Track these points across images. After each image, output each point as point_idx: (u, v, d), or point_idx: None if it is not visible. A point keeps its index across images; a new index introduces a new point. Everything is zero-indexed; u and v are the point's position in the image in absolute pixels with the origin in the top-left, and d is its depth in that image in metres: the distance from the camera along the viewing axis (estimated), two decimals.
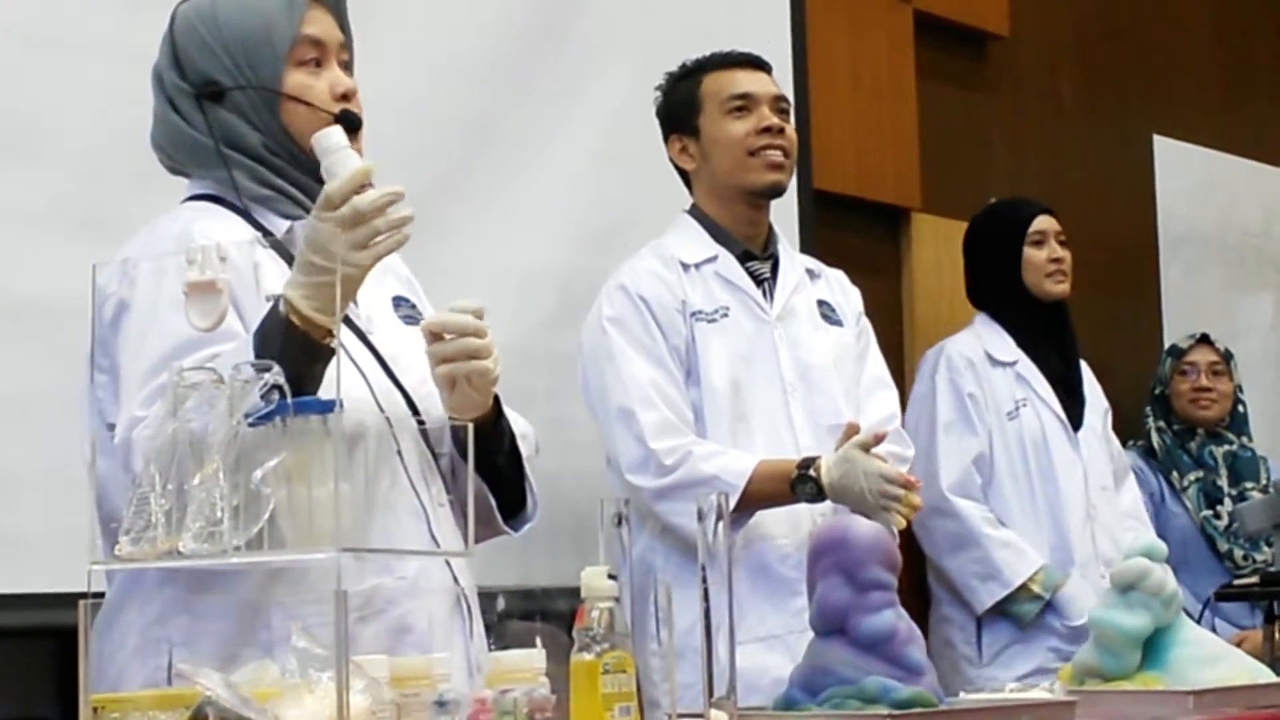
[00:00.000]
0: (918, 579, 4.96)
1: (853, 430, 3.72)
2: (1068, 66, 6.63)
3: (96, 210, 3.49)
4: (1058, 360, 5.01)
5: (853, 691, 2.55)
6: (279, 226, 2.84)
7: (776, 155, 3.95)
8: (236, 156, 2.85)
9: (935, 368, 4.96)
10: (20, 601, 3.54)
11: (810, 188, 5.09)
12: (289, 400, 1.99)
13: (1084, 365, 5.11)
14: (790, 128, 4.00)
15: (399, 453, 2.75)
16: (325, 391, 2.34)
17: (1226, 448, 5.71)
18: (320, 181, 2.65)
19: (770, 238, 4.05)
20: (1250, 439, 5.78)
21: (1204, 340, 5.83)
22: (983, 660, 4.75)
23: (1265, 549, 5.40)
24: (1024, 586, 4.71)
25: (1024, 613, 4.71)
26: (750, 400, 3.87)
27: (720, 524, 2.37)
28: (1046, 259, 4.99)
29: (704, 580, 2.36)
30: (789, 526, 3.79)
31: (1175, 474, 5.66)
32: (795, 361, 3.94)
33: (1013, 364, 4.95)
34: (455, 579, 2.82)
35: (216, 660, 2.43)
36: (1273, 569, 4.71)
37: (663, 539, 3.80)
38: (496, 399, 2.81)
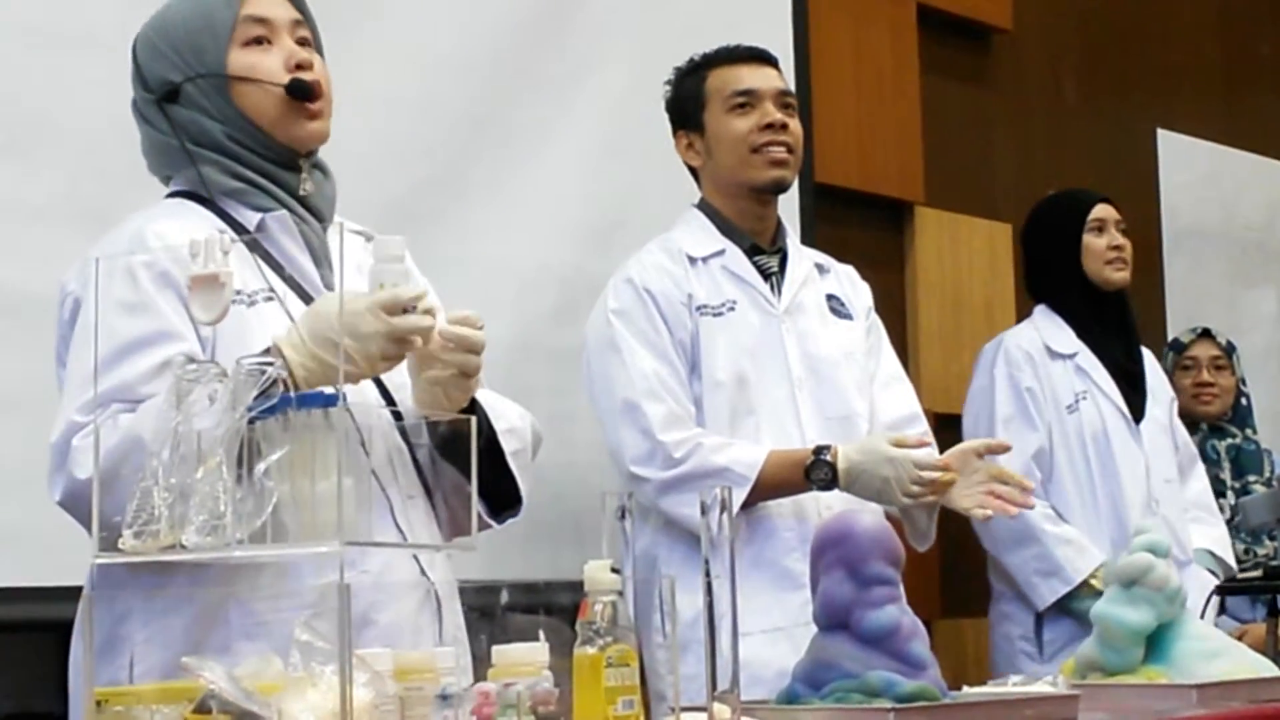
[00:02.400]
0: (979, 573, 4.96)
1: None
2: (1071, 60, 6.63)
3: (99, 204, 3.48)
4: (1119, 351, 4.97)
5: (856, 685, 2.55)
6: (250, 219, 2.84)
7: (779, 152, 3.94)
8: (202, 152, 2.86)
9: (994, 361, 4.94)
10: (19, 595, 3.54)
11: (812, 181, 5.09)
12: (292, 394, 1.99)
13: (1147, 354, 5.09)
14: (795, 123, 3.99)
15: (362, 444, 2.69)
16: None
17: (1230, 441, 5.70)
18: (290, 169, 2.80)
19: (779, 232, 4.05)
20: (1254, 432, 5.76)
21: (1205, 335, 5.81)
22: (1043, 657, 4.72)
23: (1268, 542, 5.40)
24: (1085, 583, 4.69)
25: (1086, 609, 4.64)
26: (756, 394, 3.87)
27: (724, 516, 2.37)
28: (1106, 246, 4.96)
29: (707, 573, 2.36)
30: (794, 519, 3.79)
31: None
32: (803, 355, 3.93)
33: (1072, 356, 4.92)
34: (424, 573, 2.81)
35: (174, 658, 2.44)
36: (1275, 563, 4.71)
37: (666, 532, 3.80)
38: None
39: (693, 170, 4.08)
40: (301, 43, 2.90)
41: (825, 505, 3.75)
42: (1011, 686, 3.02)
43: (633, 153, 4.52)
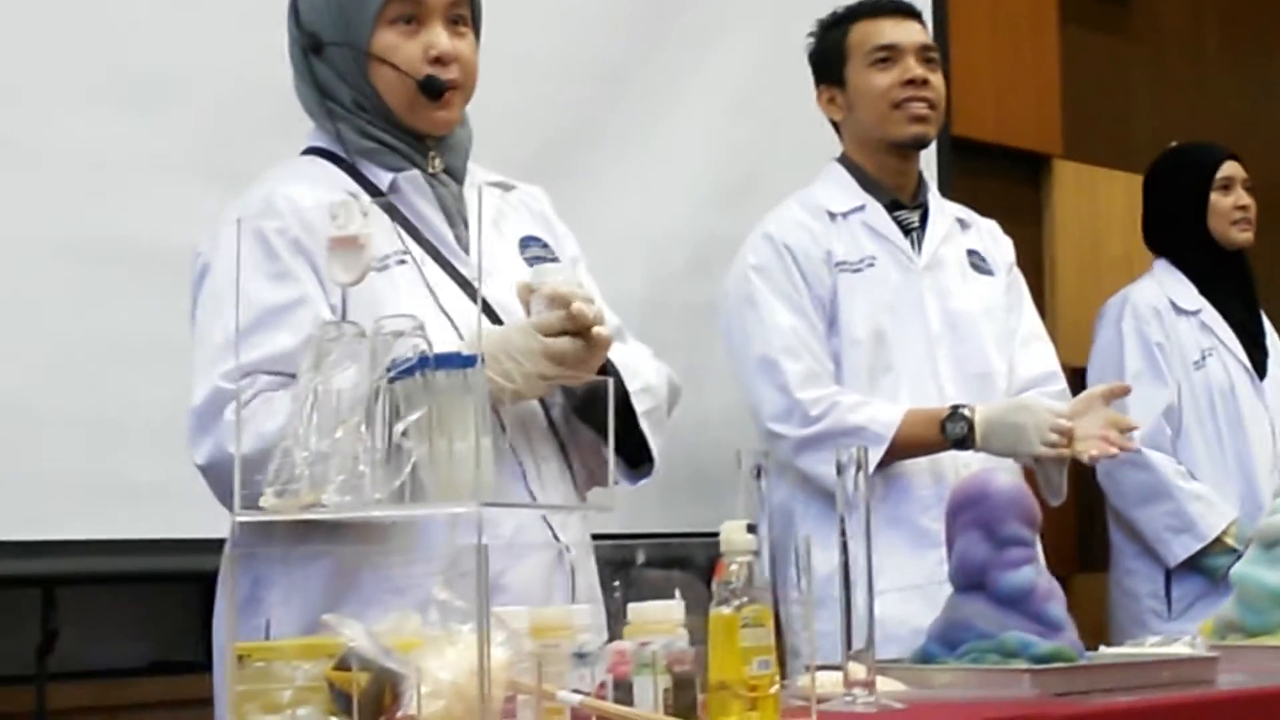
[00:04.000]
0: (1102, 530, 4.93)
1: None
2: (1211, 11, 6.55)
3: (228, 160, 3.52)
4: (1240, 308, 4.93)
5: (992, 646, 2.55)
6: (382, 179, 2.87)
7: (920, 108, 3.92)
8: (337, 110, 2.89)
9: (1120, 316, 4.90)
10: (162, 547, 3.59)
11: (949, 134, 5.06)
12: (431, 355, 2.00)
13: (1263, 313, 5.03)
14: (937, 77, 3.96)
15: (494, 406, 2.67)
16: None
17: None
18: (418, 139, 2.85)
19: (920, 187, 4.03)
20: None
21: None
22: (1171, 614, 4.69)
23: None
24: (1218, 540, 4.66)
25: (1218, 566, 4.61)
26: (895, 351, 3.86)
27: (860, 474, 2.37)
28: (1233, 206, 4.91)
29: (843, 532, 2.36)
30: (931, 477, 3.78)
31: None
32: (943, 311, 3.92)
33: (1196, 313, 4.88)
34: (555, 535, 2.82)
35: (308, 621, 2.47)
36: None
37: (802, 488, 3.80)
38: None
39: (835, 124, 4.06)
40: (456, 20, 2.88)
41: (963, 464, 3.73)
42: (1149, 647, 3.00)
43: (766, 110, 4.51)
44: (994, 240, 4.13)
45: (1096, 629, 3.84)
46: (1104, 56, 6.07)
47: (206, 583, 2.90)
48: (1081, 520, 5.41)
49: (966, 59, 5.32)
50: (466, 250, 2.86)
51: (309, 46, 2.88)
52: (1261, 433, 4.79)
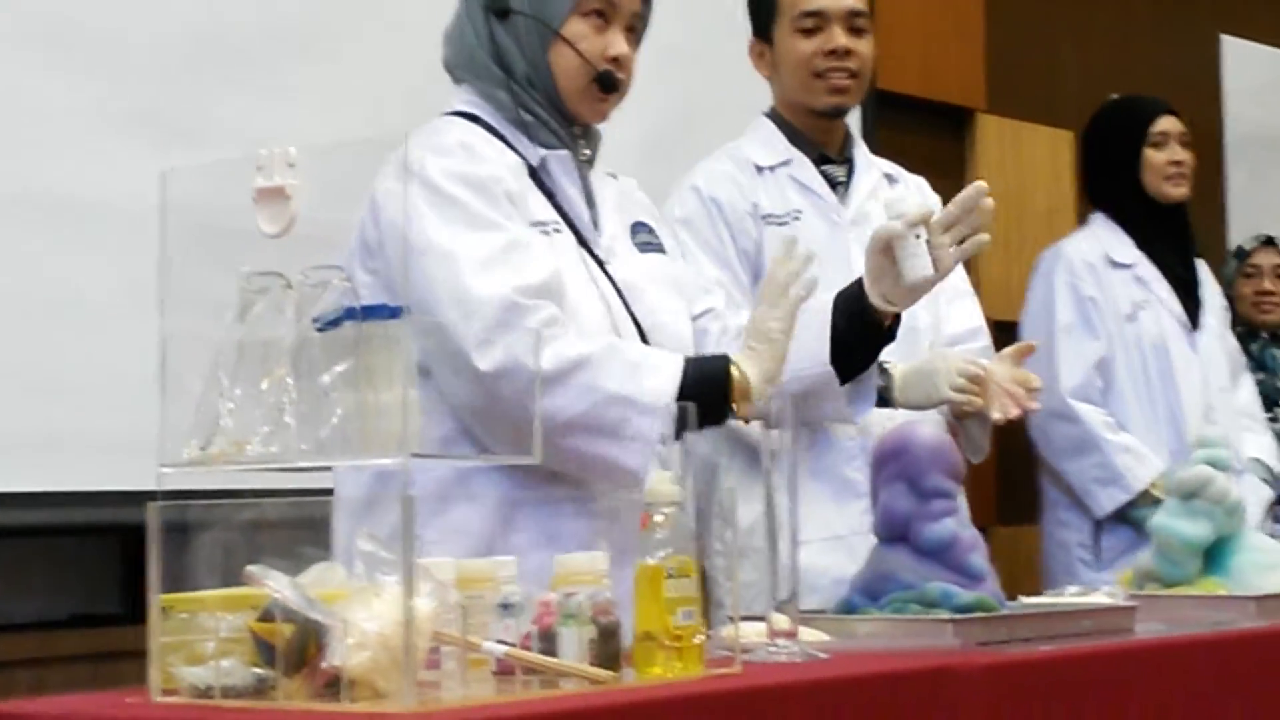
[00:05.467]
0: (1024, 483, 4.97)
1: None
2: None
3: (160, 113, 3.50)
4: (1176, 261, 4.95)
5: (914, 596, 2.57)
6: (533, 154, 3.00)
7: (841, 78, 3.90)
8: (503, 77, 3.00)
9: (1053, 269, 4.92)
10: (82, 499, 3.57)
11: (876, 88, 5.06)
12: (358, 306, 2.00)
13: (1201, 263, 5.06)
14: (864, 44, 3.92)
15: None
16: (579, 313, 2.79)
17: None
18: (571, 122, 3.03)
19: (847, 142, 4.03)
20: None
21: (1269, 243, 5.78)
22: (1100, 564, 4.73)
23: None
24: (1145, 492, 4.69)
25: (1145, 518, 4.62)
26: (821, 304, 3.85)
27: (785, 426, 2.38)
28: (1167, 161, 4.92)
29: (768, 484, 2.37)
30: (855, 428, 3.78)
31: None
32: None
33: (1131, 266, 4.90)
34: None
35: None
36: None
37: (727, 442, 3.80)
38: None
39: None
40: (632, 28, 3.06)
41: (886, 416, 3.74)
42: (1069, 597, 3.03)
43: (696, 62, 4.50)
44: (922, 196, 4.13)
45: (1016, 580, 3.87)
46: (1029, 11, 6.08)
47: (127, 535, 2.89)
48: (1002, 473, 5.45)
49: (893, 14, 5.33)
50: (599, 230, 3.04)
51: (495, 8, 3.00)
52: (1192, 384, 4.83)
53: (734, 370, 2.88)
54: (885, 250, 3.07)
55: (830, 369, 3.12)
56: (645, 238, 3.15)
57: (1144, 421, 4.80)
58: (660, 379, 2.82)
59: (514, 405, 2.73)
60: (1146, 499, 4.66)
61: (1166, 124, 4.97)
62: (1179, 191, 4.92)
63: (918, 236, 3.02)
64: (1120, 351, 4.83)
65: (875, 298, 3.11)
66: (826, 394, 3.14)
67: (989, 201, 3.11)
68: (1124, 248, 4.92)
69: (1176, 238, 4.97)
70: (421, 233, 2.78)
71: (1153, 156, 4.92)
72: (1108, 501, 4.73)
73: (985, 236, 3.26)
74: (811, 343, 3.09)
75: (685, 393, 2.81)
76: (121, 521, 2.99)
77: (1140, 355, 4.83)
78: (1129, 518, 4.71)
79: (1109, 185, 4.99)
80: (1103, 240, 4.94)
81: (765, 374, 2.89)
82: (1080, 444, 4.74)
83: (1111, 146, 4.98)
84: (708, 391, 2.82)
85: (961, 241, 3.10)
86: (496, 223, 2.84)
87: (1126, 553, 4.66)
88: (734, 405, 2.85)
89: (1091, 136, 5.10)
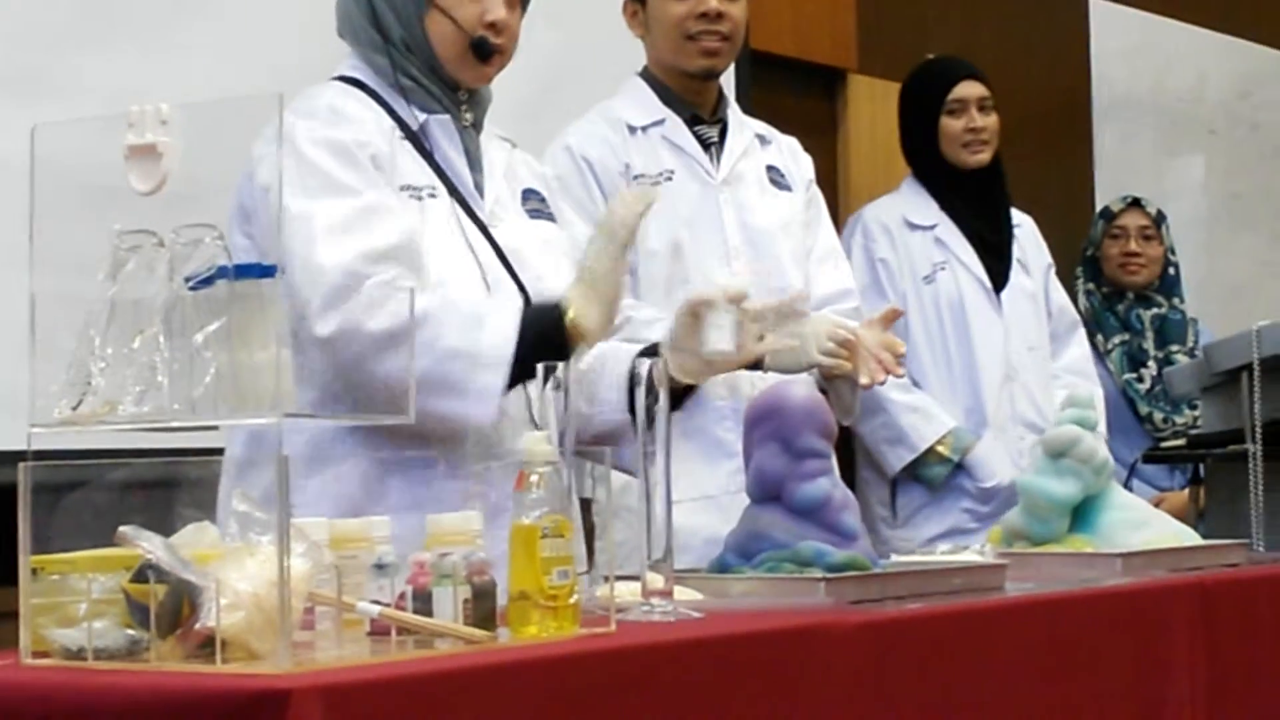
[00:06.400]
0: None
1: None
2: None
3: (34, 70, 3.45)
4: (981, 222, 4.94)
5: (787, 555, 2.58)
6: (414, 119, 3.00)
7: (712, 41, 3.91)
8: (381, 42, 3.00)
9: (852, 233, 4.94)
10: None
11: (748, 48, 5.07)
12: (230, 265, 1.98)
13: (1029, 222, 5.06)
14: (736, 7, 3.93)
15: None
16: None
17: (1155, 311, 5.72)
18: (455, 86, 3.02)
19: (720, 102, 4.04)
20: (1182, 301, 5.78)
21: (1135, 204, 5.82)
22: (897, 521, 4.76)
23: (1187, 411, 5.44)
24: (932, 450, 4.72)
25: (933, 475, 4.71)
26: (691, 264, 3.87)
27: (658, 388, 2.38)
28: (963, 129, 4.88)
29: (641, 441, 2.38)
30: (727, 388, 3.79)
31: (1100, 337, 5.63)
32: (741, 226, 3.94)
33: (931, 228, 4.90)
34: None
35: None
36: (1197, 431, 4.76)
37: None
38: None
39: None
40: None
41: (759, 376, 3.76)
42: (940, 555, 3.07)
43: (569, 20, 4.48)
44: (793, 157, 4.15)
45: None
46: None
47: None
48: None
49: None
50: (482, 194, 3.03)
51: None
52: (992, 343, 4.84)
53: (570, 313, 2.83)
54: (695, 313, 2.94)
55: (628, 417, 3.04)
56: (536, 205, 3.15)
57: (939, 380, 4.82)
58: (499, 331, 2.82)
59: (354, 369, 2.75)
60: (934, 456, 4.70)
61: (964, 90, 4.91)
62: (977, 158, 4.88)
63: (728, 312, 2.94)
64: (916, 313, 4.83)
65: (672, 367, 2.89)
66: (625, 439, 3.08)
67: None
68: (927, 209, 4.90)
69: (983, 199, 4.95)
70: (284, 199, 2.78)
71: (949, 125, 4.89)
72: (895, 460, 4.76)
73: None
74: (610, 392, 3.04)
75: (524, 340, 2.80)
76: None
77: (937, 316, 4.85)
78: (919, 476, 4.75)
79: (914, 149, 5.00)
80: (907, 202, 4.93)
81: (601, 314, 2.84)
82: (869, 405, 4.73)
83: (912, 113, 4.98)
84: (546, 338, 2.80)
85: (761, 339, 3.03)
86: (351, 188, 2.84)
87: (920, 510, 4.73)
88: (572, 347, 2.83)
89: (901, 101, 5.09)
